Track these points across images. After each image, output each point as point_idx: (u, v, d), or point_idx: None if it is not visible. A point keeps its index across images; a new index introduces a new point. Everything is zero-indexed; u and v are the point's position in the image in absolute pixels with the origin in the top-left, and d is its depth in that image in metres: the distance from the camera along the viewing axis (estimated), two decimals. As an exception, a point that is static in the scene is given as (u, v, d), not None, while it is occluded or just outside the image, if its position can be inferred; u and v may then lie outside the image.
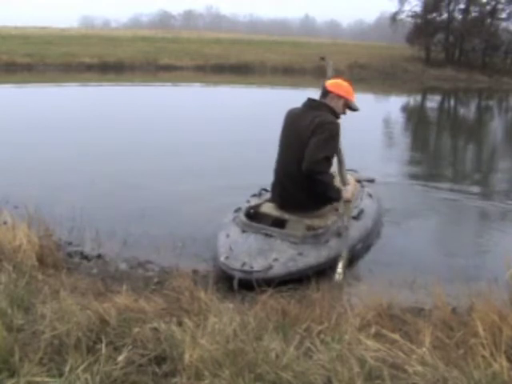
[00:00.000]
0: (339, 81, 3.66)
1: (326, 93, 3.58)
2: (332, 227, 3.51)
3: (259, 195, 4.06)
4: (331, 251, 3.38)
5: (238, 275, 3.03)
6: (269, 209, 3.73)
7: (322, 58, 3.96)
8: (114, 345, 1.90)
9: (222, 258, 3.19)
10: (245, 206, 3.79)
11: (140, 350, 1.88)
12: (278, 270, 3.13)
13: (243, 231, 3.46)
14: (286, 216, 3.60)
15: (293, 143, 3.48)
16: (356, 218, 3.78)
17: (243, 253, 3.22)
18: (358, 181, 4.46)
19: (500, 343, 1.95)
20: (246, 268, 3.08)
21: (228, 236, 3.44)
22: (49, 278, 2.71)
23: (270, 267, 3.12)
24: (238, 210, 3.76)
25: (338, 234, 3.50)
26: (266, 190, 4.07)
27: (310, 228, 3.54)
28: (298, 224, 3.54)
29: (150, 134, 8.19)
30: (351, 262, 3.53)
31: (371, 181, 5.02)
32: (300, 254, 3.27)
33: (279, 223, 3.60)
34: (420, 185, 6.31)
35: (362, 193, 4.32)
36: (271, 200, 3.77)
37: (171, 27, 61.57)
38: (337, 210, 3.72)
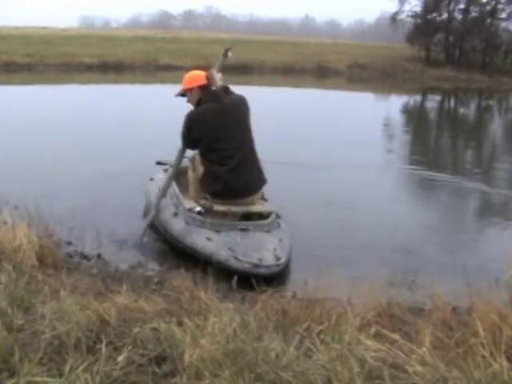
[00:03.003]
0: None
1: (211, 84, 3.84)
2: (274, 212, 3.72)
3: (164, 196, 4.01)
4: (288, 232, 3.64)
5: (264, 271, 3.12)
6: (218, 206, 3.71)
7: (229, 50, 4.00)
8: (114, 345, 1.90)
9: (236, 259, 3.18)
10: (185, 207, 3.72)
11: (140, 350, 1.87)
12: (284, 258, 3.27)
13: (217, 231, 3.46)
14: (234, 208, 3.68)
15: (239, 130, 3.74)
16: (264, 198, 3.97)
17: (247, 250, 3.27)
18: None
19: (500, 343, 1.95)
20: (268, 263, 3.17)
21: (209, 239, 3.40)
22: (49, 278, 2.71)
23: (280, 258, 3.24)
24: (176, 214, 3.73)
25: (278, 216, 3.74)
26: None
27: (247, 216, 3.69)
28: (235, 215, 3.67)
29: (151, 134, 8.18)
30: (350, 262, 3.54)
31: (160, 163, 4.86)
32: (280, 240, 3.45)
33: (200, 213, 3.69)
34: (419, 182, 6.33)
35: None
36: (213, 195, 3.74)
37: (171, 27, 61.58)
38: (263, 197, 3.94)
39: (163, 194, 3.92)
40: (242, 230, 3.47)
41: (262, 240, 3.41)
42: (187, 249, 3.52)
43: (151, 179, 4.61)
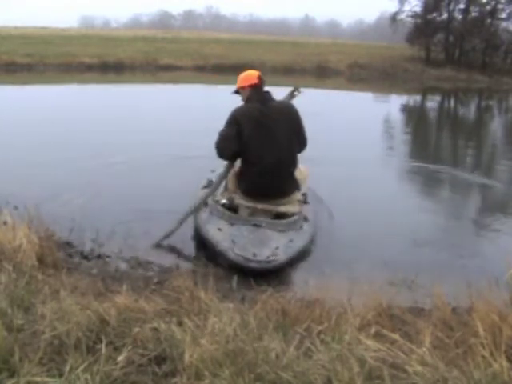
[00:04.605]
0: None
1: (263, 84, 3.93)
2: (301, 213, 3.82)
3: (209, 186, 4.18)
4: (308, 235, 3.71)
5: (255, 265, 3.22)
6: (241, 200, 3.86)
7: (296, 90, 4.18)
8: (114, 345, 1.90)
9: (233, 251, 3.31)
10: (214, 199, 3.90)
11: (140, 350, 1.87)
12: (283, 257, 3.34)
13: (231, 224, 3.62)
14: (259, 206, 3.79)
15: (279, 134, 3.75)
16: (305, 202, 4.11)
17: (247, 244, 3.38)
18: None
19: (500, 343, 1.95)
20: (261, 258, 3.25)
21: (220, 230, 3.56)
22: (49, 278, 2.71)
23: (277, 255, 3.31)
24: (206, 204, 3.90)
25: (306, 219, 3.83)
26: (212, 181, 4.24)
27: (280, 215, 3.79)
28: (267, 213, 3.78)
29: (153, 135, 8.19)
30: (350, 262, 3.55)
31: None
32: (290, 240, 3.52)
33: (233, 210, 3.82)
34: (418, 181, 6.32)
35: None
36: (243, 191, 3.87)
37: (171, 27, 61.62)
38: (302, 193, 4.06)
39: (199, 205, 3.93)
40: (255, 225, 3.59)
41: (268, 237, 3.50)
42: (202, 237, 3.67)
43: (212, 171, 4.64)
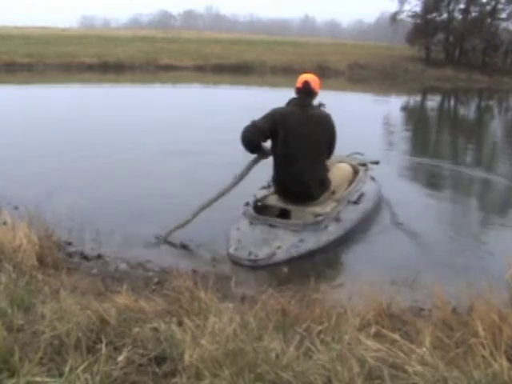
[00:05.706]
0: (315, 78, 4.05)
1: (314, 93, 3.98)
2: (331, 214, 3.89)
3: (268, 187, 4.31)
4: (330, 236, 3.75)
5: (246, 263, 3.43)
6: (274, 201, 4.06)
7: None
8: (114, 345, 1.90)
9: (230, 250, 3.54)
10: (252, 199, 4.07)
11: (140, 350, 1.87)
12: (281, 256, 3.48)
13: (251, 223, 3.78)
14: (290, 207, 3.94)
15: (312, 142, 3.83)
16: (356, 202, 4.21)
17: (250, 243, 3.56)
18: (364, 164, 4.96)
19: (500, 343, 1.95)
20: (252, 257, 3.44)
21: (238, 229, 3.75)
22: (49, 278, 2.71)
23: (274, 254, 3.46)
24: (247, 204, 4.04)
25: (337, 220, 3.89)
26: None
27: (313, 216, 3.89)
28: (302, 213, 3.91)
29: (151, 135, 8.19)
30: (350, 262, 3.54)
31: (376, 163, 5.28)
32: (301, 240, 3.61)
33: (284, 213, 3.96)
34: (418, 180, 6.32)
35: (365, 176, 4.75)
36: (276, 192, 4.07)
37: (171, 27, 61.59)
38: (333, 193, 4.13)
39: (207, 204, 3.96)
40: (270, 225, 3.73)
41: (275, 237, 3.62)
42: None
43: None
